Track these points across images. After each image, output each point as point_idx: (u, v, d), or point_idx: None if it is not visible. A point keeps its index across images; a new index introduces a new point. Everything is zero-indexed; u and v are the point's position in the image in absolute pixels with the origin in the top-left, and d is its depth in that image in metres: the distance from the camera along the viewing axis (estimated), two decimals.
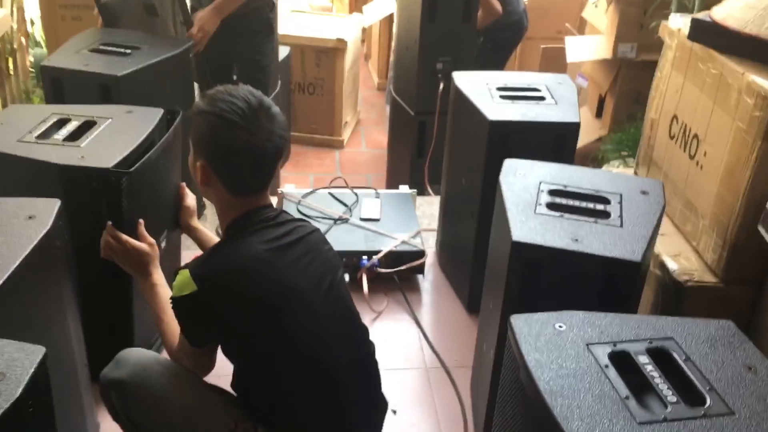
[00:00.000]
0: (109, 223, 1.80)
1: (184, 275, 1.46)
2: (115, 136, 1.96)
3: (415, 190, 2.98)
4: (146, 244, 1.81)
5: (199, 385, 1.56)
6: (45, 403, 1.25)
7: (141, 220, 1.83)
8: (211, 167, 1.51)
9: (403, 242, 2.59)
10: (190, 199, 2.08)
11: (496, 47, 4.04)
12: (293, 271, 1.50)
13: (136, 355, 1.58)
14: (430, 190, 3.40)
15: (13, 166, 1.85)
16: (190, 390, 1.54)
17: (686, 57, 2.01)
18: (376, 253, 2.53)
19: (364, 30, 5.51)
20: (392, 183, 3.72)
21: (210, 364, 1.60)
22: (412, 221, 2.74)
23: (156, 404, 1.49)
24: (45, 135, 1.95)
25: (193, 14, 2.84)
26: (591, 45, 4.29)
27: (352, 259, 2.51)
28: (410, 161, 3.67)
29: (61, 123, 2.01)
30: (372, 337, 1.67)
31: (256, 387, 1.53)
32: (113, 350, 1.62)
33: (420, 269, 2.59)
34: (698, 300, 1.90)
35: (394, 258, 2.55)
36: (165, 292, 1.72)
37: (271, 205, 1.59)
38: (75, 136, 1.95)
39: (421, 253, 2.57)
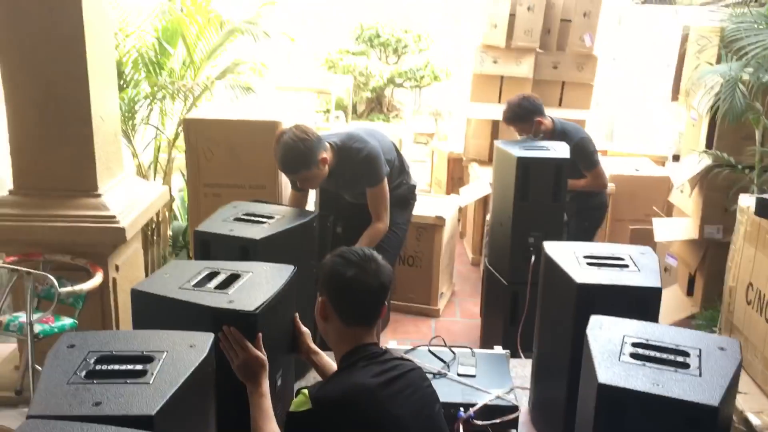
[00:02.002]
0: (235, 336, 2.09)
1: (303, 394, 1.75)
2: (256, 286, 2.34)
3: (509, 351, 3.20)
4: (263, 355, 2.08)
5: None
6: None
7: (259, 334, 2.11)
8: (330, 301, 1.88)
9: (498, 397, 2.78)
10: (305, 328, 2.39)
11: (592, 225, 4.37)
12: (397, 403, 1.76)
13: None
14: (523, 356, 3.59)
15: (176, 308, 2.23)
16: None
17: (755, 231, 2.26)
18: (472, 405, 2.73)
19: (459, 210, 5.97)
20: (486, 347, 3.92)
21: None
22: (506, 378, 2.93)
23: None
24: (199, 284, 2.36)
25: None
26: (678, 226, 4.53)
27: (449, 411, 2.70)
28: (503, 328, 3.90)
29: (212, 275, 2.42)
30: None
31: None
32: None
33: (514, 424, 2.74)
34: None
35: (488, 411, 2.72)
36: (269, 404, 1.99)
37: (377, 343, 1.91)
38: (223, 285, 2.35)
39: (514, 408, 2.74)
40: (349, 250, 1.94)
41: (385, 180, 3.34)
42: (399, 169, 3.60)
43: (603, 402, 1.82)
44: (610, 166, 5.68)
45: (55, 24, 2.73)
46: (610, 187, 5.39)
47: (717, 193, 4.03)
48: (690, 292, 4.56)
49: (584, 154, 4.17)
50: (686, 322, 4.23)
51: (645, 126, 7.33)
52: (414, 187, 3.74)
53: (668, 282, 4.84)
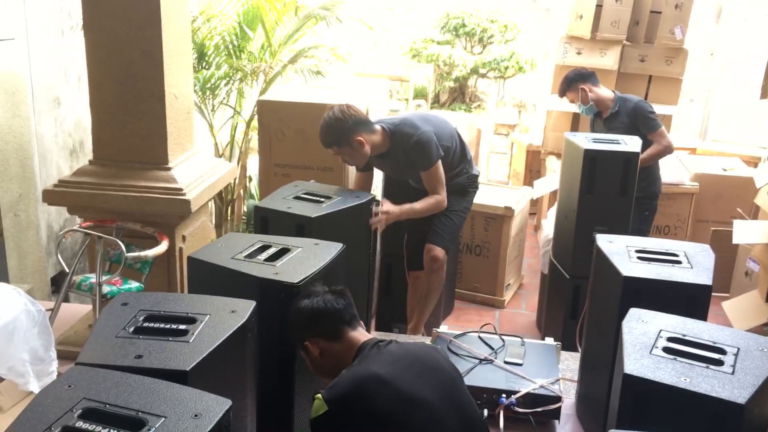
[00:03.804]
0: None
1: (318, 399, 1.82)
2: (303, 260, 2.44)
3: (560, 343, 3.18)
4: None
5: None
6: None
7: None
8: (310, 337, 2.03)
9: (542, 386, 2.78)
10: None
11: (651, 214, 4.32)
12: (415, 386, 1.80)
13: None
14: (580, 350, 3.54)
15: (226, 276, 2.36)
16: None
17: None
18: (515, 392, 2.74)
19: (535, 203, 5.91)
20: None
21: None
22: (553, 369, 2.93)
23: None
24: (251, 256, 2.47)
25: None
26: (759, 229, 4.34)
27: (492, 396, 2.73)
28: (564, 322, 3.87)
29: (264, 248, 2.54)
30: None
31: None
32: None
33: (556, 414, 2.74)
34: None
35: (531, 400, 2.73)
36: None
37: (373, 338, 2.00)
38: (273, 258, 2.45)
39: (557, 399, 2.74)
40: (303, 297, 2.13)
41: (439, 162, 3.41)
42: (460, 157, 3.62)
43: (627, 393, 1.81)
44: (696, 165, 5.49)
45: (134, 6, 2.91)
46: (695, 186, 5.22)
47: None
48: None
49: (644, 115, 4.19)
50: (760, 329, 4.06)
51: (740, 124, 7.01)
52: (475, 176, 3.75)
53: (749, 287, 4.65)
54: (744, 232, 4.38)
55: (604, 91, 4.35)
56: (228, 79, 4.27)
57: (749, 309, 4.40)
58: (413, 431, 1.75)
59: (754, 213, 4.99)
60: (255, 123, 4.45)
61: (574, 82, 4.33)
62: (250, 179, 5.17)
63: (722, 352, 1.93)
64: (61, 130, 4.19)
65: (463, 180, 3.66)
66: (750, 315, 4.34)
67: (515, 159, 6.83)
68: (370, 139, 3.29)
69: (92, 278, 2.82)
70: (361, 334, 2.05)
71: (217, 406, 1.59)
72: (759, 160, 5.93)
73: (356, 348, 1.98)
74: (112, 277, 2.84)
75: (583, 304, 3.70)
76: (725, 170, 5.50)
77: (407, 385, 1.80)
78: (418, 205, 3.39)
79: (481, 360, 2.96)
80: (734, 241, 4.36)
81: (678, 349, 1.93)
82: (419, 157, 3.36)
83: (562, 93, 4.45)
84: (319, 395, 1.83)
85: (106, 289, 2.79)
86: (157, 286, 3.07)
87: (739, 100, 7.17)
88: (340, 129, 3.20)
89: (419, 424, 1.75)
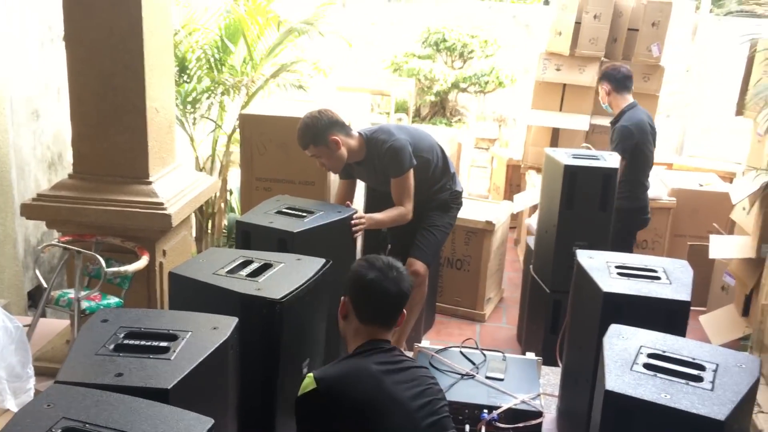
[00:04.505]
0: None
1: (309, 377, 1.87)
2: (285, 276, 2.43)
3: (541, 358, 3.19)
4: None
5: None
6: None
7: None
8: (350, 300, 2.01)
9: (523, 401, 2.79)
10: None
11: (625, 229, 4.34)
12: (399, 390, 1.86)
13: None
14: (560, 364, 3.56)
15: (207, 292, 2.35)
16: None
17: None
18: (497, 408, 2.74)
19: (515, 217, 5.95)
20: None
21: None
22: (534, 384, 2.94)
23: None
24: (232, 271, 2.46)
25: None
26: (735, 244, 4.40)
27: (473, 411, 2.73)
28: (544, 336, 3.88)
29: (245, 264, 2.53)
30: None
31: None
32: None
33: (537, 429, 2.74)
34: None
35: (512, 415, 2.74)
36: None
37: (389, 341, 2.01)
38: (255, 273, 2.44)
39: (538, 414, 2.75)
40: (375, 256, 2.09)
41: (410, 173, 3.40)
42: (442, 171, 3.64)
43: (609, 409, 1.82)
44: (673, 180, 5.56)
45: (116, 19, 2.91)
46: (672, 201, 5.29)
47: None
48: (746, 312, 4.41)
49: (617, 139, 4.28)
50: (737, 343, 4.10)
51: (716, 140, 7.11)
52: (458, 193, 3.76)
53: (725, 301, 4.70)
54: (720, 247, 4.44)
55: (622, 99, 4.39)
56: (210, 92, 4.26)
57: (726, 323, 4.45)
58: (387, 427, 1.81)
59: (730, 228, 5.06)
60: (236, 136, 4.45)
61: (602, 78, 4.50)
62: (231, 193, 5.15)
63: (702, 368, 1.95)
64: (39, 143, 4.15)
65: (446, 196, 3.67)
66: (727, 329, 4.39)
67: (495, 173, 6.87)
68: (347, 141, 3.31)
69: (70, 293, 2.79)
70: (382, 333, 2.03)
71: (199, 425, 1.58)
72: (734, 176, 6.02)
73: (369, 339, 2.00)
74: (91, 293, 2.82)
75: (564, 318, 3.73)
76: (702, 185, 5.57)
77: (394, 385, 1.86)
78: (380, 215, 3.38)
79: (462, 375, 2.96)
80: (710, 256, 4.42)
81: (658, 365, 1.95)
82: (390, 163, 3.37)
83: (599, 81, 4.62)
84: (311, 374, 1.89)
85: (84, 304, 2.77)
86: (137, 301, 3.05)
87: (715, 116, 7.28)
88: (315, 127, 3.22)
89: (396, 423, 1.82)
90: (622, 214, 4.32)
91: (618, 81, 4.39)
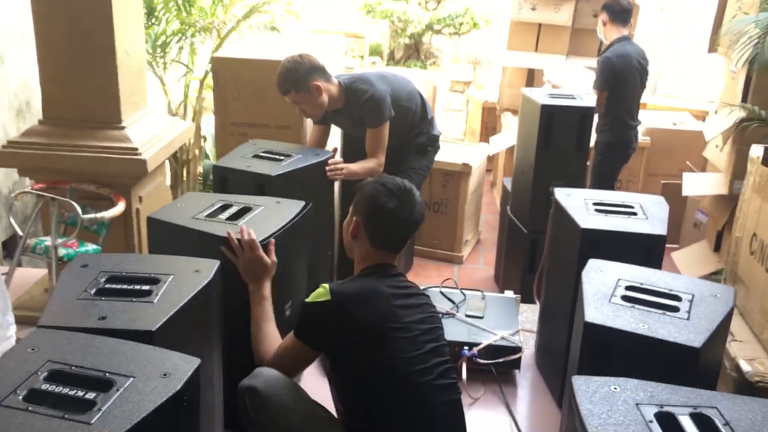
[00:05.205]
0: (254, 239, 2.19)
1: (323, 287, 1.90)
2: (265, 218, 2.42)
3: (519, 296, 3.24)
4: (270, 260, 2.20)
5: (315, 404, 1.94)
6: (194, 402, 1.61)
7: (272, 240, 2.23)
8: (363, 222, 2.01)
9: (503, 338, 2.84)
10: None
11: (606, 161, 4.44)
12: (407, 314, 1.90)
13: (268, 371, 1.97)
14: (538, 302, 3.62)
15: (187, 236, 2.33)
16: (308, 405, 1.91)
17: (764, 181, 2.23)
18: (477, 345, 2.79)
19: (491, 160, 5.96)
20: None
21: (300, 372, 2.05)
22: (513, 321, 2.99)
23: (280, 412, 1.86)
24: (212, 215, 2.44)
25: None
26: (708, 181, 4.46)
27: (454, 349, 2.77)
28: (522, 275, 3.94)
29: (225, 207, 2.51)
30: (466, 422, 1.97)
31: (357, 408, 1.87)
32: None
33: (516, 364, 2.81)
34: None
35: (492, 351, 2.79)
36: (269, 307, 2.15)
37: (395, 266, 2.04)
38: (234, 217, 2.43)
39: (518, 349, 2.81)
40: (391, 180, 2.06)
41: (386, 124, 3.37)
42: (421, 117, 3.62)
43: (588, 340, 1.87)
44: (647, 120, 5.59)
45: None
46: (646, 141, 5.32)
47: (747, 148, 3.92)
48: (717, 248, 4.51)
49: (598, 71, 4.34)
50: (709, 278, 4.19)
51: (689, 79, 7.13)
52: (436, 137, 3.75)
53: (697, 237, 4.79)
54: (693, 184, 4.50)
55: (615, 31, 4.40)
56: (180, 35, 4.15)
57: (698, 259, 4.54)
58: (391, 346, 1.84)
59: (703, 166, 5.12)
60: (209, 81, 4.36)
61: (602, 8, 4.47)
62: (205, 139, 5.08)
63: (678, 299, 2.00)
64: (5, 90, 4.03)
65: (423, 140, 3.66)
66: (699, 265, 4.48)
67: (471, 116, 6.85)
68: (328, 88, 3.25)
69: (47, 241, 2.76)
70: (391, 257, 2.05)
71: (186, 365, 1.59)
72: (707, 114, 6.06)
73: (378, 262, 2.01)
74: (67, 240, 2.78)
75: (540, 257, 3.78)
76: (675, 124, 5.61)
77: (403, 309, 1.90)
78: (356, 166, 3.34)
79: (443, 314, 3.00)
80: (684, 193, 4.48)
81: (636, 297, 2.00)
82: (369, 114, 3.33)
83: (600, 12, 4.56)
84: (327, 285, 1.92)
85: (62, 251, 2.73)
86: (115, 247, 3.02)
87: (688, 55, 7.27)
88: (298, 72, 3.16)
89: (399, 344, 1.86)
90: (600, 147, 4.39)
91: (615, 12, 4.39)
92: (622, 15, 4.40)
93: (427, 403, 1.86)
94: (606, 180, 4.46)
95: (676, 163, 5.32)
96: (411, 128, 3.59)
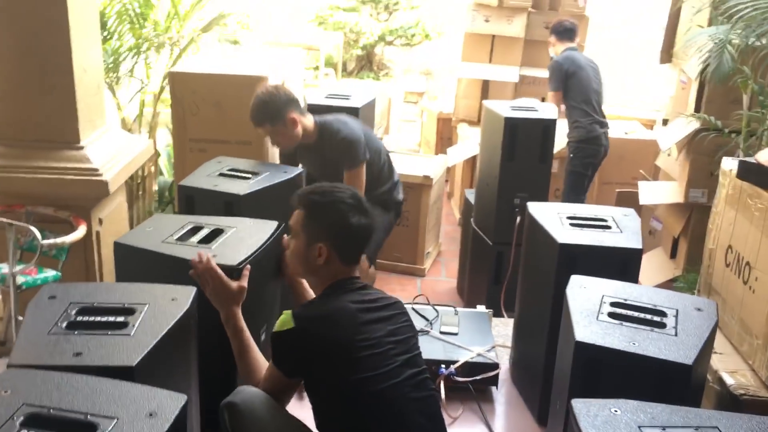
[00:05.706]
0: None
1: (286, 314, 1.85)
2: (239, 241, 2.34)
3: (491, 311, 3.23)
4: (238, 286, 2.09)
5: (293, 419, 1.90)
6: None
7: (247, 266, 2.15)
8: (332, 245, 1.94)
9: (479, 354, 2.82)
10: None
11: (578, 162, 4.64)
12: (375, 329, 1.86)
13: (249, 388, 1.92)
14: (506, 315, 3.63)
15: (158, 261, 2.23)
16: (286, 421, 1.88)
17: (737, 194, 2.27)
18: (454, 362, 2.76)
19: (448, 171, 5.96)
20: (469, 306, 3.96)
21: (288, 399, 1.96)
22: (488, 336, 2.97)
23: (258, 426, 1.82)
24: (182, 238, 2.35)
25: None
26: (664, 190, 4.55)
27: (431, 367, 2.72)
28: (487, 288, 3.94)
29: (195, 230, 2.42)
30: None
31: (333, 425, 1.84)
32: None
33: (494, 381, 2.79)
34: (753, 413, 2.03)
35: (469, 368, 2.77)
36: (248, 336, 2.07)
37: (358, 276, 2.00)
38: (206, 240, 2.34)
39: (495, 366, 2.79)
40: (339, 191, 2.01)
41: (363, 165, 3.29)
42: (387, 175, 3.56)
43: (580, 359, 1.85)
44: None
45: None
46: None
47: (703, 157, 4.03)
48: (673, 255, 4.60)
49: (549, 75, 4.72)
50: (668, 285, 4.26)
51: (637, 89, 7.31)
52: (400, 203, 3.69)
53: (652, 245, 4.88)
54: (649, 193, 4.59)
55: (562, 47, 4.75)
56: (135, 50, 4.02)
57: (656, 266, 4.63)
58: (362, 365, 1.81)
59: (655, 174, 5.23)
60: (165, 96, 4.23)
61: (551, 31, 4.88)
62: (158, 155, 4.94)
63: (663, 314, 2.00)
64: None
65: (388, 198, 3.57)
66: (657, 272, 4.57)
67: (425, 127, 6.85)
68: (302, 120, 3.17)
69: (4, 268, 2.61)
70: (352, 269, 2.01)
71: (172, 402, 1.51)
72: (654, 123, 6.21)
73: (337, 278, 1.96)
74: (26, 267, 2.64)
75: (506, 270, 3.79)
76: (627, 133, 5.72)
77: (370, 325, 1.87)
78: None
79: (417, 332, 2.95)
80: (641, 202, 4.55)
81: (622, 313, 2.00)
82: (345, 154, 3.25)
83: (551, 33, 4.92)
84: (289, 311, 1.87)
85: (20, 279, 2.60)
86: (74, 273, 2.89)
87: (634, 66, 7.48)
88: (274, 105, 3.06)
89: (371, 363, 1.82)
90: (572, 146, 4.64)
91: (560, 33, 4.76)
92: (567, 34, 4.76)
93: (404, 418, 1.84)
94: (578, 178, 4.65)
95: (629, 172, 5.42)
96: (380, 183, 3.49)
